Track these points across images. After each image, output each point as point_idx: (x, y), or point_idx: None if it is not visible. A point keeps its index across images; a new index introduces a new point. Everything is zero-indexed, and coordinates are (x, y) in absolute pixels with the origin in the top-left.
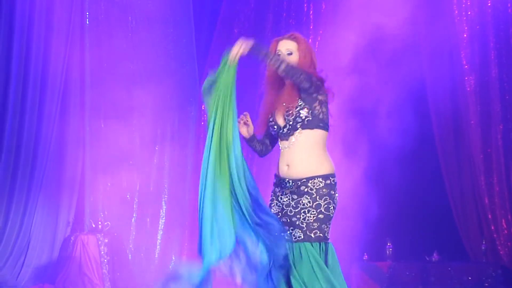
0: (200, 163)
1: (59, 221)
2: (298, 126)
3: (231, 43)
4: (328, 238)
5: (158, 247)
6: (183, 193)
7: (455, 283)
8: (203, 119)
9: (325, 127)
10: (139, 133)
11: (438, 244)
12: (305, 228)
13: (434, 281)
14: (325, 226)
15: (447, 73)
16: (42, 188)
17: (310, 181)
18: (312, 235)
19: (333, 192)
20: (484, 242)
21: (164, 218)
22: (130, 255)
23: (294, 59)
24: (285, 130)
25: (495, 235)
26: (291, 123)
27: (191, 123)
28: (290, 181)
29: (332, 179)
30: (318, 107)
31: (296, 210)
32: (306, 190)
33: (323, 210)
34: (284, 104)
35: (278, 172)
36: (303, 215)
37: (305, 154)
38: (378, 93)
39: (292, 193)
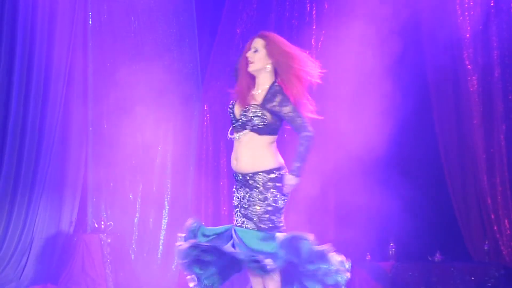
0: (203, 163)
1: (62, 221)
2: (247, 128)
3: (233, 43)
4: (280, 227)
5: (160, 247)
6: (186, 194)
7: (457, 283)
8: (206, 119)
9: (274, 132)
10: (142, 133)
11: (441, 244)
12: (255, 219)
13: (437, 281)
14: (275, 217)
15: (450, 73)
16: (45, 188)
17: (256, 176)
18: (262, 225)
19: (279, 185)
20: (487, 242)
21: (167, 218)
22: (132, 255)
23: (260, 55)
24: (237, 124)
25: (498, 235)
26: (243, 120)
27: (194, 123)
28: (240, 175)
29: (277, 172)
30: (274, 121)
31: (249, 203)
32: (254, 184)
33: (271, 203)
34: (246, 99)
35: (231, 166)
36: (253, 208)
37: (250, 151)
38: (380, 93)
39: (244, 186)
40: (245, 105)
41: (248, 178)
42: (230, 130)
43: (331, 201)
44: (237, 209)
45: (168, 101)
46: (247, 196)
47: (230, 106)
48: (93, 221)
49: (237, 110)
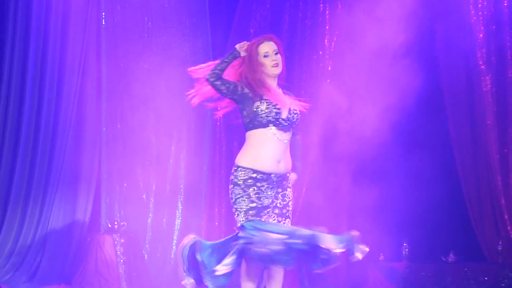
0: (216, 163)
1: (75, 221)
2: (291, 129)
3: None
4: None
5: (174, 247)
6: (199, 194)
7: (471, 283)
8: (219, 119)
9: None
10: (155, 133)
11: (455, 244)
12: (291, 217)
13: (451, 281)
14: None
15: (463, 73)
16: (58, 188)
17: (287, 176)
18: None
19: (232, 178)
20: (500, 243)
21: (180, 218)
22: (146, 256)
23: (281, 58)
24: (284, 124)
25: (511, 236)
26: (292, 120)
27: (207, 124)
28: (276, 175)
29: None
30: None
31: (284, 202)
32: (287, 184)
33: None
34: (287, 99)
35: (266, 166)
36: (289, 207)
37: (288, 151)
38: (393, 93)
39: (277, 186)
40: (288, 105)
41: (282, 178)
42: (273, 131)
43: (344, 202)
44: (268, 209)
45: (181, 101)
46: (280, 196)
47: (275, 104)
48: (107, 221)
49: (284, 111)
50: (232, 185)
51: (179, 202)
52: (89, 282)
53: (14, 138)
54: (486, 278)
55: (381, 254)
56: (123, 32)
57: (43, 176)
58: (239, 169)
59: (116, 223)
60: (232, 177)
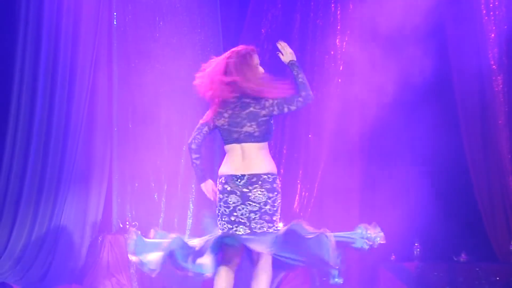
0: None
1: (87, 221)
2: None
3: (258, 44)
4: (220, 231)
5: None
6: None
7: (483, 283)
8: None
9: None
10: (167, 133)
11: (466, 244)
12: None
13: (462, 281)
14: (274, 219)
15: (475, 73)
16: (70, 188)
17: None
18: None
19: (275, 186)
20: None
21: (191, 218)
22: None
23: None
24: None
25: None
26: None
27: None
28: None
29: (274, 177)
30: None
31: None
32: None
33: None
34: None
35: None
36: None
37: None
38: (405, 92)
39: None
40: None
41: None
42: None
43: (355, 202)
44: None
45: (193, 101)
46: None
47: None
48: (118, 221)
49: None
50: (277, 193)
51: (191, 202)
52: (100, 282)
53: (26, 140)
54: (497, 278)
55: (393, 254)
56: (134, 32)
57: (54, 176)
58: (277, 177)
59: (127, 223)
60: (275, 185)
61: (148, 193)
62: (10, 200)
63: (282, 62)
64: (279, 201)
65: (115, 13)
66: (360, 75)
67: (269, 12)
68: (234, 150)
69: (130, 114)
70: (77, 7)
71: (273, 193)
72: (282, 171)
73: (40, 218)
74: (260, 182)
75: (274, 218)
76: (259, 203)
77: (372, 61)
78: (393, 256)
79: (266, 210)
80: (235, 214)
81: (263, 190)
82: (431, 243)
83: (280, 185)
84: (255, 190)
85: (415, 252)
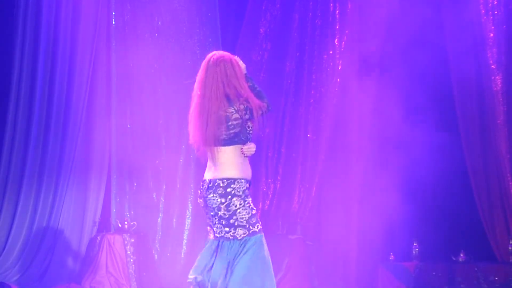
0: None
1: (85, 221)
2: None
3: (257, 43)
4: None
5: (184, 247)
6: None
7: (481, 283)
8: None
9: None
10: (165, 133)
11: (465, 244)
12: None
13: (461, 281)
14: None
15: (474, 72)
16: (68, 188)
17: None
18: None
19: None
20: (511, 242)
21: (190, 218)
22: (156, 255)
23: None
24: None
25: None
26: None
27: None
28: None
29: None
30: None
31: None
32: None
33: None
34: None
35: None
36: None
37: None
38: (403, 93)
39: None
40: None
41: None
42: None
43: (354, 202)
44: None
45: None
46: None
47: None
48: (117, 221)
49: None
50: (231, 197)
51: (189, 202)
52: (99, 281)
53: (23, 144)
54: (496, 278)
55: (391, 253)
56: (133, 31)
57: (53, 176)
58: (237, 181)
59: (126, 222)
60: (229, 189)
61: (146, 193)
62: (9, 200)
63: (282, 62)
64: (237, 205)
65: (113, 13)
66: (358, 75)
67: (268, 11)
68: (209, 154)
69: (129, 113)
70: (76, 7)
71: (226, 197)
72: (280, 171)
73: (39, 218)
74: (214, 187)
75: (231, 222)
76: (213, 208)
77: (370, 60)
78: (392, 256)
79: (221, 215)
80: (207, 217)
81: (216, 195)
82: (429, 243)
83: (243, 188)
84: (210, 195)
85: (414, 252)
